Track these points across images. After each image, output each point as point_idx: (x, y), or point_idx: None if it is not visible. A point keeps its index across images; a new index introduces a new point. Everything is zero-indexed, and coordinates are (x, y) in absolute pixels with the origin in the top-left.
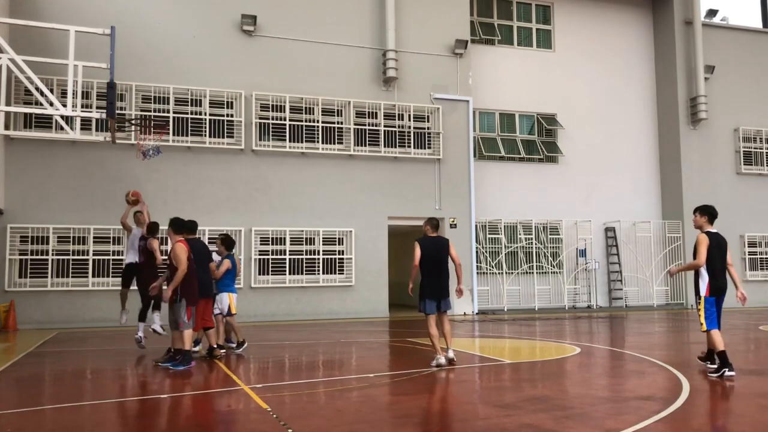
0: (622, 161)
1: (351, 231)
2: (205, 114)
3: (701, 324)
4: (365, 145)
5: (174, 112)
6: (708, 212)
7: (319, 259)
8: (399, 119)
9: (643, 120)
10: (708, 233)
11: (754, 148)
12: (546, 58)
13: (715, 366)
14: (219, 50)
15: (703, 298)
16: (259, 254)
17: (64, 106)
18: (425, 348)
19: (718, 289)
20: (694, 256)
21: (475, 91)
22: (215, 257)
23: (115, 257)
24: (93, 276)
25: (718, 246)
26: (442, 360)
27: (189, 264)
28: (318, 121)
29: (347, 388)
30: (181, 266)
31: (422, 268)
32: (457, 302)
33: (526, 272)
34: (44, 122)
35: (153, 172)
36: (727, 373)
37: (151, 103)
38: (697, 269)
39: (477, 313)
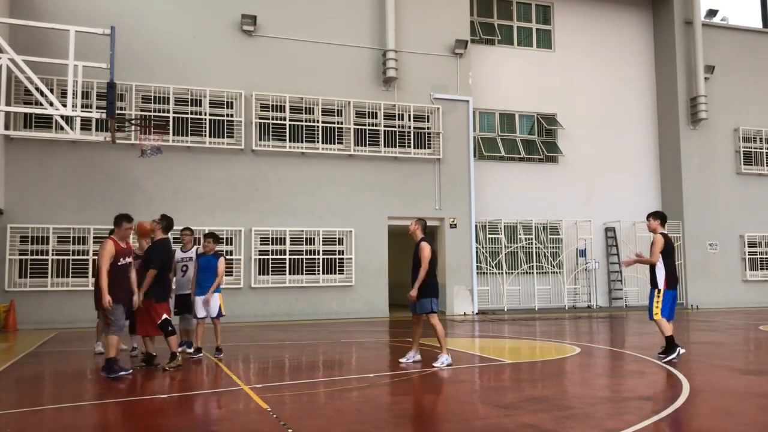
0: (622, 161)
1: (351, 231)
2: (205, 114)
3: (656, 313)
4: (365, 145)
5: (174, 112)
6: (660, 217)
7: (319, 259)
8: (399, 119)
9: (643, 120)
10: (662, 234)
11: (754, 148)
12: (546, 58)
13: (666, 352)
14: (219, 50)
15: (662, 291)
16: (259, 254)
17: (64, 106)
18: (425, 348)
19: (673, 283)
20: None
21: (475, 91)
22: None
23: None
24: (93, 276)
25: (672, 245)
26: (450, 360)
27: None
28: (318, 121)
29: (347, 388)
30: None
31: (430, 268)
32: (457, 302)
33: (526, 272)
34: (44, 122)
35: (153, 172)
36: (681, 351)
37: (151, 103)
38: (653, 265)
39: (477, 313)
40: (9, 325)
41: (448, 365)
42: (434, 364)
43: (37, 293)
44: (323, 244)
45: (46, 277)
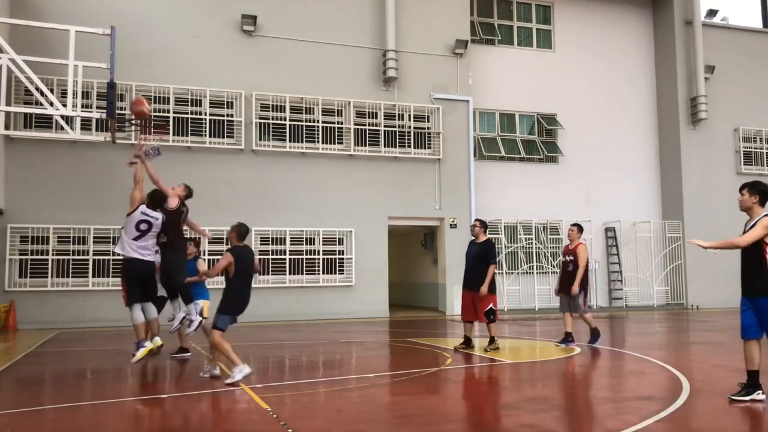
0: (622, 161)
1: (351, 231)
2: (205, 114)
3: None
4: (365, 145)
5: (174, 112)
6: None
7: (319, 259)
8: (399, 119)
9: (643, 120)
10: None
11: (754, 148)
12: (546, 58)
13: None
14: (219, 50)
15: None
16: (259, 254)
17: (64, 106)
18: (425, 348)
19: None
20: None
21: (475, 91)
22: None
23: (115, 257)
24: (93, 276)
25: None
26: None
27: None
28: (318, 121)
29: (347, 388)
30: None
31: (235, 279)
32: (458, 302)
33: (526, 272)
34: (44, 122)
35: None
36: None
37: (151, 103)
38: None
39: None
40: (9, 325)
41: (244, 377)
42: (225, 381)
43: (37, 293)
44: (323, 244)
45: (46, 277)
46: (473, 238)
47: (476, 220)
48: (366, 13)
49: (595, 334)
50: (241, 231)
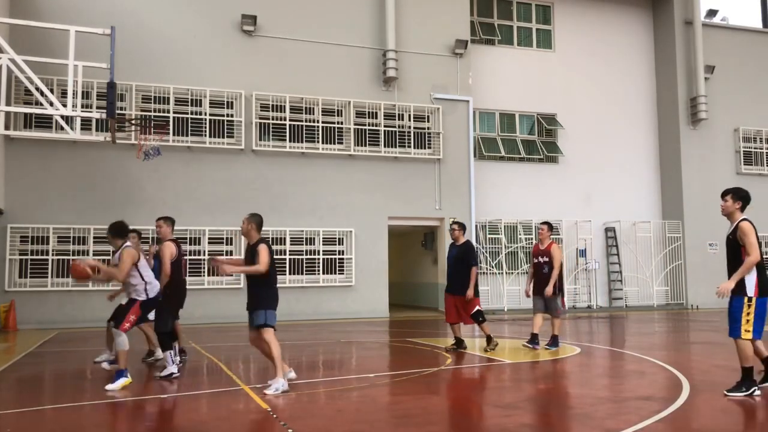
0: (622, 161)
1: (351, 231)
2: (205, 114)
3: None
4: (365, 145)
5: (174, 112)
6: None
7: (319, 259)
8: (399, 119)
9: (643, 120)
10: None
11: (754, 148)
12: (546, 58)
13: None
14: (219, 50)
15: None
16: None
17: (64, 106)
18: (425, 348)
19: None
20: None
21: (475, 91)
22: None
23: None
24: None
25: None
26: (293, 375)
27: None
28: (318, 121)
29: (347, 388)
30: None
31: (270, 275)
32: None
33: (526, 272)
34: (44, 122)
35: (153, 172)
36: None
37: (151, 103)
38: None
39: None
40: (9, 325)
41: (283, 392)
42: (266, 392)
43: (37, 293)
44: (323, 244)
45: (47, 277)
46: (453, 240)
47: (454, 222)
48: (366, 13)
49: (555, 340)
50: (260, 221)
